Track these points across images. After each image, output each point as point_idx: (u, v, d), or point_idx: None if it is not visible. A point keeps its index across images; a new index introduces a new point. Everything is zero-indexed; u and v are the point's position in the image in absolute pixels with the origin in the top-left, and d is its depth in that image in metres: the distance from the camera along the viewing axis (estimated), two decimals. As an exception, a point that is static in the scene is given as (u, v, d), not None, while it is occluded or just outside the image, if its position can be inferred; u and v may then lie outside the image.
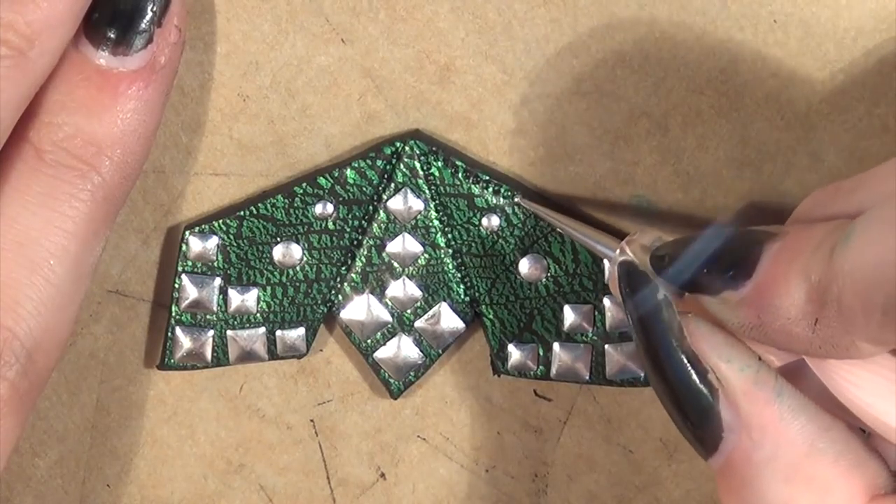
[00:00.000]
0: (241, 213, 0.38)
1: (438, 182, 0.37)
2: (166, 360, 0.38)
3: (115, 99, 0.33)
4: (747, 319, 0.30)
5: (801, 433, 0.30)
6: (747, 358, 0.31)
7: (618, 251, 0.33)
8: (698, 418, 0.31)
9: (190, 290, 0.38)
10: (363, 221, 0.38)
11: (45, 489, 0.40)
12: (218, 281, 0.38)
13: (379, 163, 0.37)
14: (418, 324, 0.38)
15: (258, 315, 0.38)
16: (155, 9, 0.33)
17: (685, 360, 0.31)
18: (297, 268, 0.38)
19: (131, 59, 0.33)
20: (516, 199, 0.37)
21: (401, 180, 0.37)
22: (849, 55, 0.36)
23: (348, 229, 0.38)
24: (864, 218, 0.28)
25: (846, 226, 0.28)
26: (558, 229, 0.37)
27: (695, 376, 0.31)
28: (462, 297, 0.38)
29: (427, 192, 0.37)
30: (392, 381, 0.38)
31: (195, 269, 0.38)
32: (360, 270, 0.38)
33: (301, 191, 0.37)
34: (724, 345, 0.31)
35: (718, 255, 0.31)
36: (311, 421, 0.40)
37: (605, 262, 0.38)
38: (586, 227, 0.36)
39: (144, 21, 0.33)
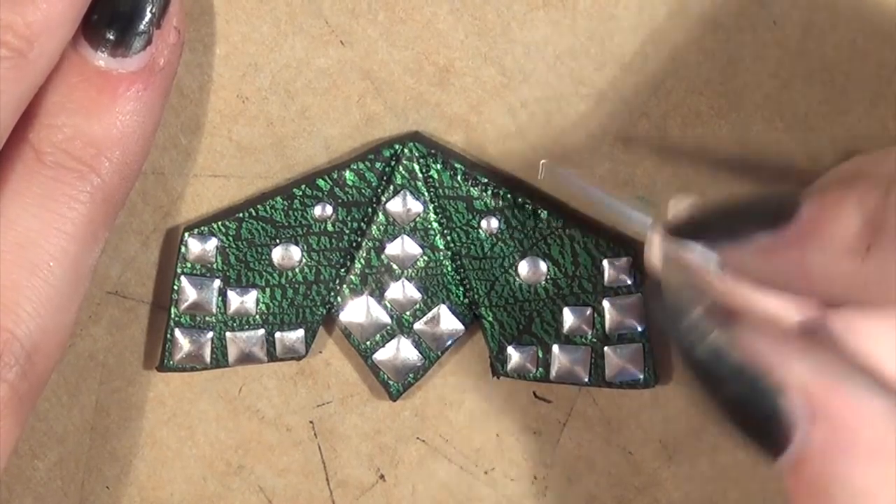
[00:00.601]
0: (241, 214, 0.38)
1: (437, 184, 0.37)
2: (165, 361, 0.38)
3: (115, 100, 0.33)
4: (786, 263, 0.29)
5: (876, 410, 0.29)
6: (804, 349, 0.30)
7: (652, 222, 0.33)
8: (763, 421, 0.30)
9: (189, 292, 0.38)
10: (362, 223, 0.38)
11: (44, 491, 0.40)
12: (217, 283, 0.38)
13: (378, 165, 0.37)
14: (417, 326, 0.38)
15: (257, 317, 0.38)
16: (154, 10, 0.33)
17: (739, 371, 0.30)
18: (297, 269, 0.38)
19: (130, 61, 0.33)
20: (542, 161, 0.36)
21: (400, 182, 0.37)
22: (848, 56, 0.36)
23: (347, 231, 0.38)
24: None
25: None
26: (587, 200, 0.36)
27: (754, 382, 0.30)
28: (461, 299, 0.38)
29: (426, 194, 0.37)
30: (391, 382, 0.38)
31: (194, 271, 0.38)
32: (359, 272, 0.38)
33: (300, 193, 0.37)
34: (780, 339, 0.30)
35: (752, 204, 0.30)
36: (311, 422, 0.40)
37: (605, 262, 0.38)
38: (618, 198, 0.35)
39: (143, 22, 0.33)
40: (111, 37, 0.33)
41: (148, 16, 0.33)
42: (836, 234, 0.28)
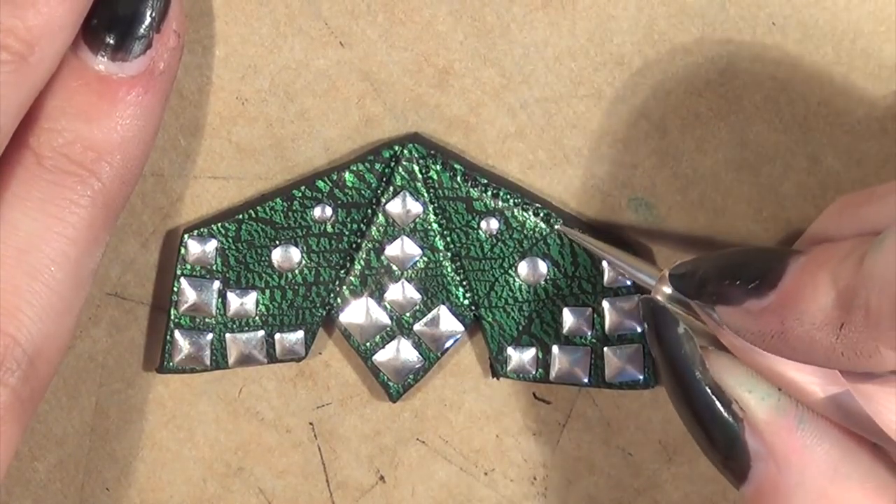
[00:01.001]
0: (240, 216, 0.38)
1: (437, 185, 0.37)
2: (165, 363, 0.38)
3: (115, 105, 0.33)
4: (769, 327, 0.30)
5: (825, 459, 0.30)
6: (768, 387, 0.31)
7: (658, 279, 0.34)
8: (726, 448, 0.32)
9: (189, 294, 0.38)
10: (362, 225, 0.38)
11: (43, 493, 0.40)
12: (217, 284, 0.38)
13: (377, 166, 0.37)
14: (417, 327, 0.38)
15: (257, 318, 0.38)
16: (154, 14, 0.33)
17: (710, 392, 0.32)
18: (296, 271, 0.38)
19: (130, 65, 0.33)
20: (557, 227, 0.37)
21: (399, 184, 0.37)
22: (847, 57, 0.36)
23: (347, 232, 0.38)
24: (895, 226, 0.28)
25: (872, 239, 0.28)
26: (598, 257, 0.37)
27: (720, 406, 0.32)
28: (461, 300, 0.38)
29: (426, 195, 0.37)
30: (391, 384, 0.38)
31: (194, 273, 0.38)
32: (358, 274, 0.38)
33: (300, 194, 0.37)
34: (745, 375, 0.31)
35: (743, 266, 0.31)
36: (311, 424, 0.40)
37: (604, 264, 0.38)
38: (628, 255, 0.36)
39: (143, 27, 0.33)
40: (111, 41, 0.33)
41: (148, 20, 0.33)
42: (811, 309, 0.29)
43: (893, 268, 0.27)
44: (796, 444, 0.31)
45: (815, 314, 0.29)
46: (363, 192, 0.37)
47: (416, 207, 0.37)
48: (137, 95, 0.33)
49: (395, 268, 0.38)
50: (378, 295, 0.38)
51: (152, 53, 0.33)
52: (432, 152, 0.37)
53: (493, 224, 0.38)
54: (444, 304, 0.38)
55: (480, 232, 0.38)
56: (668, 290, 0.33)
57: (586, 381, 0.38)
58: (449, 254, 0.38)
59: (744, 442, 0.31)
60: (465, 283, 0.38)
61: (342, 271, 0.38)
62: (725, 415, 0.32)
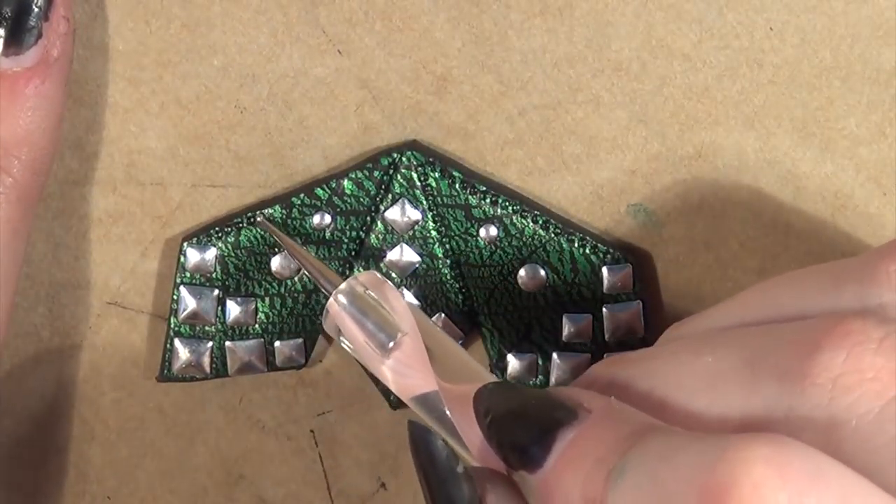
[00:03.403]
0: (239, 224, 0.38)
1: (436, 192, 0.37)
2: (165, 371, 0.38)
3: (14, 99, 0.33)
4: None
5: None
6: None
7: (332, 296, 0.33)
8: None
9: (188, 302, 0.38)
10: (361, 232, 0.38)
11: (44, 501, 0.40)
12: (216, 292, 0.38)
13: (376, 173, 0.37)
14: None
15: (257, 326, 0.38)
16: (40, 4, 0.33)
17: None
18: (296, 279, 0.38)
19: (24, 58, 0.33)
20: (258, 220, 0.37)
21: (398, 191, 0.37)
22: (845, 62, 0.36)
23: (346, 240, 0.38)
24: (633, 464, 0.26)
25: (625, 446, 0.27)
26: (292, 256, 0.37)
27: None
28: (460, 307, 0.38)
29: (424, 202, 0.37)
30: (391, 391, 0.38)
31: (193, 281, 0.38)
32: (358, 281, 0.38)
33: (298, 202, 0.37)
34: None
35: (520, 431, 0.29)
36: (311, 432, 0.40)
37: (604, 269, 0.37)
38: (315, 259, 0.35)
39: (32, 17, 0.33)
40: (1, 37, 0.33)
41: (35, 10, 0.33)
42: None
43: None
44: None
45: None
46: (362, 199, 0.37)
47: (414, 215, 0.37)
48: (36, 86, 0.34)
49: (394, 275, 0.38)
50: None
51: (44, 42, 0.34)
52: (431, 159, 0.37)
53: (492, 231, 0.38)
54: (443, 310, 0.38)
55: (479, 239, 0.38)
56: (344, 300, 0.32)
57: (586, 387, 0.38)
58: (448, 261, 0.38)
59: None
60: (464, 290, 0.38)
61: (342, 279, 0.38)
62: None
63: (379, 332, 0.32)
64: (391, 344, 0.32)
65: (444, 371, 0.32)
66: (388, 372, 0.32)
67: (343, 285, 0.33)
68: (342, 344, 0.33)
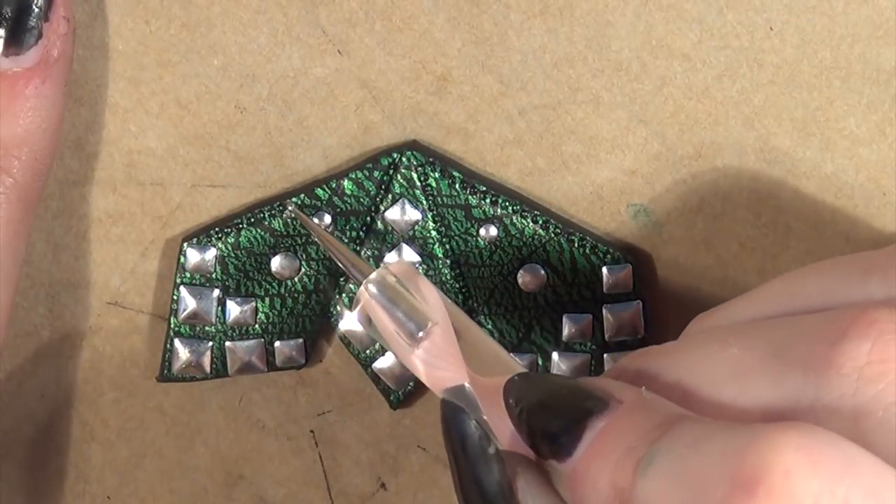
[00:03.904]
0: (239, 224, 0.38)
1: (436, 193, 0.37)
2: (165, 371, 0.38)
3: (14, 100, 0.33)
4: (567, 496, 0.29)
5: None
6: None
7: (363, 285, 0.32)
8: None
9: (188, 302, 0.38)
10: (361, 232, 0.38)
11: (44, 502, 0.40)
12: (216, 292, 0.38)
13: (376, 174, 0.37)
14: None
15: (257, 326, 0.38)
16: (40, 4, 0.33)
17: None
18: (296, 279, 0.38)
19: (24, 58, 0.34)
20: (290, 209, 0.37)
21: (398, 191, 0.37)
22: (845, 62, 0.36)
23: (346, 240, 0.38)
24: (663, 453, 0.26)
25: (655, 435, 0.27)
26: (321, 245, 0.36)
27: None
28: (460, 307, 0.38)
29: (424, 202, 0.37)
30: (391, 390, 0.38)
31: (193, 281, 0.38)
32: (358, 281, 0.38)
33: (298, 202, 0.37)
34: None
35: (551, 421, 0.29)
36: (311, 432, 0.40)
37: (604, 269, 0.37)
38: (345, 248, 0.35)
39: (32, 18, 0.33)
40: (2, 37, 0.33)
41: (35, 10, 0.33)
42: (593, 499, 0.27)
43: (657, 499, 0.26)
44: None
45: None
46: (362, 199, 0.37)
47: (414, 215, 0.37)
48: (36, 87, 0.34)
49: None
50: (378, 302, 0.38)
51: (44, 43, 0.34)
52: (431, 160, 0.37)
53: (492, 231, 0.38)
54: (443, 311, 0.38)
55: (479, 239, 0.38)
56: (374, 289, 0.32)
57: (586, 387, 0.38)
58: (448, 261, 0.38)
59: None
60: (464, 290, 0.38)
61: (341, 279, 0.38)
62: None
63: (409, 321, 0.32)
64: (421, 333, 0.32)
65: (475, 362, 0.32)
66: (419, 363, 0.32)
67: (373, 274, 0.33)
68: (372, 334, 0.33)
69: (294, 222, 0.37)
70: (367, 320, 0.33)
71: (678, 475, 0.25)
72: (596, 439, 0.28)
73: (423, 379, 0.32)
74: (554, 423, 0.29)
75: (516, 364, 0.32)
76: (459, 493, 0.29)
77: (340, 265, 0.34)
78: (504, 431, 0.30)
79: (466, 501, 0.29)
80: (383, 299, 0.32)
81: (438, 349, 0.32)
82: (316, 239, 0.36)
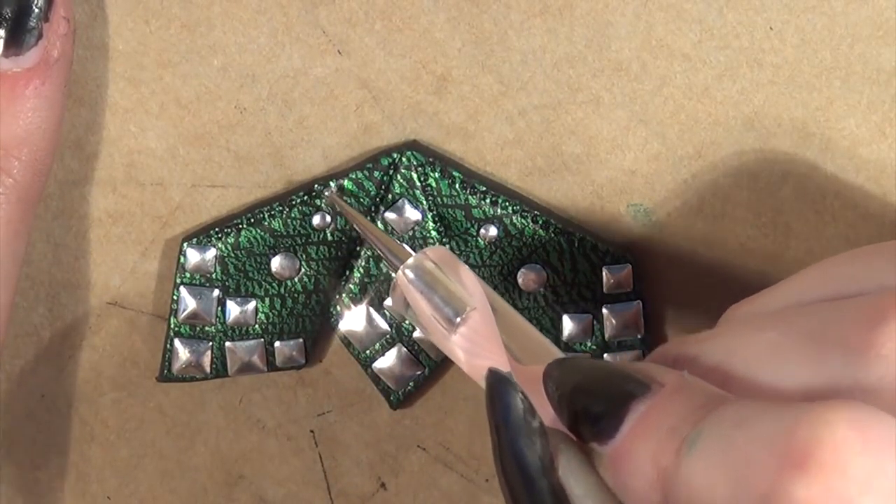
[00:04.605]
0: (239, 224, 0.38)
1: (436, 193, 0.37)
2: (165, 371, 0.38)
3: (14, 100, 0.33)
4: (608, 478, 0.29)
5: None
6: None
7: (400, 270, 0.32)
8: None
9: (188, 302, 0.38)
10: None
11: (45, 502, 0.40)
12: (216, 292, 0.38)
13: (376, 174, 0.37)
14: (417, 334, 0.38)
15: (257, 326, 0.38)
16: (40, 4, 0.33)
17: (551, 494, 0.29)
18: (296, 279, 0.38)
19: (24, 58, 0.34)
20: (326, 194, 0.37)
21: (398, 191, 0.37)
22: (845, 62, 0.36)
23: (346, 240, 0.38)
24: (707, 432, 0.26)
25: (699, 415, 0.27)
26: (360, 232, 0.36)
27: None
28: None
29: (424, 202, 0.37)
30: (391, 391, 0.38)
31: (193, 281, 0.38)
32: (358, 281, 0.38)
33: (298, 202, 0.37)
34: (595, 487, 0.29)
35: (592, 404, 0.29)
36: (311, 432, 0.40)
37: (604, 269, 0.37)
38: (382, 233, 0.35)
39: (32, 18, 0.33)
40: (2, 37, 0.33)
41: (35, 11, 0.33)
42: (637, 483, 0.27)
43: (699, 483, 0.26)
44: None
45: (639, 488, 0.27)
46: (362, 199, 0.37)
47: (414, 215, 0.37)
48: (36, 87, 0.34)
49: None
50: (377, 302, 0.38)
51: (45, 43, 0.34)
52: (431, 160, 0.37)
53: (492, 231, 0.37)
54: (443, 311, 0.38)
55: (479, 239, 0.38)
56: (411, 274, 0.32)
57: (586, 387, 0.38)
58: (448, 261, 0.38)
59: None
60: (464, 290, 0.38)
61: (341, 279, 0.38)
62: None
63: (446, 306, 0.32)
64: (458, 319, 0.32)
65: (514, 348, 0.32)
66: (458, 351, 0.32)
67: (411, 259, 0.32)
68: (410, 319, 0.33)
69: (294, 222, 0.37)
70: (405, 305, 0.33)
71: (725, 454, 0.25)
72: (638, 421, 0.28)
73: (463, 366, 0.32)
74: (595, 406, 0.29)
75: (556, 350, 0.32)
76: (499, 465, 0.29)
77: (378, 250, 0.34)
78: (545, 418, 0.30)
79: (505, 474, 0.29)
80: (421, 284, 0.32)
81: (477, 334, 0.32)
82: (354, 224, 0.36)
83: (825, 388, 0.27)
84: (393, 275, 0.33)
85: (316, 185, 0.37)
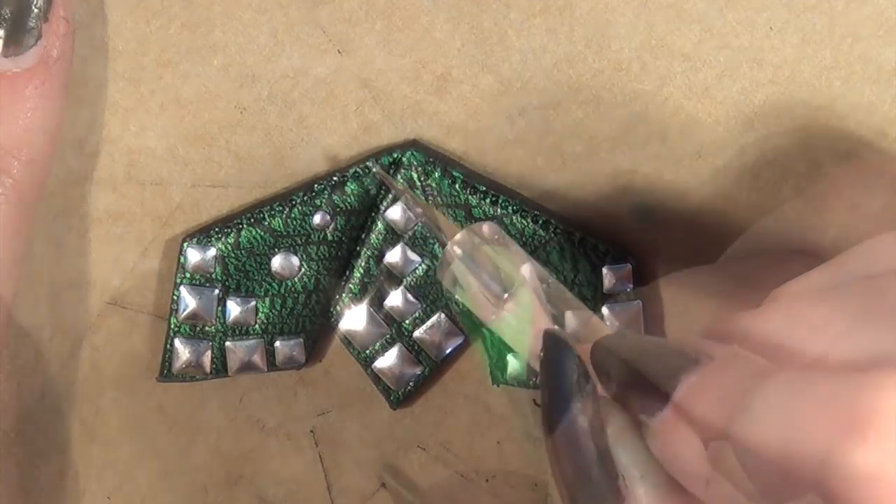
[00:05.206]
0: (239, 224, 0.38)
1: (436, 192, 0.37)
2: (165, 371, 0.38)
3: (14, 100, 0.34)
4: (655, 450, 0.28)
5: None
6: (660, 475, 0.29)
7: (448, 246, 0.32)
8: None
9: (188, 302, 0.38)
10: (361, 232, 0.38)
11: (45, 501, 0.40)
12: (216, 292, 0.38)
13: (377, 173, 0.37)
14: (417, 334, 0.38)
15: (257, 326, 0.38)
16: (39, 4, 0.33)
17: (597, 456, 0.29)
18: (296, 278, 0.38)
19: (24, 59, 0.34)
20: (374, 169, 0.37)
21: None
22: (846, 61, 0.36)
23: (346, 240, 0.38)
24: (760, 400, 0.26)
25: (750, 385, 0.26)
26: (405, 205, 0.36)
27: (605, 480, 0.29)
28: (460, 307, 0.38)
29: (425, 202, 0.37)
30: (391, 390, 0.38)
31: (193, 281, 0.38)
32: (358, 281, 0.38)
33: (299, 201, 0.37)
34: (643, 455, 0.29)
35: (642, 377, 0.29)
36: (311, 431, 0.40)
37: (604, 269, 0.37)
38: (431, 209, 0.35)
39: (31, 18, 0.33)
40: (1, 38, 0.33)
41: (34, 11, 0.33)
42: (685, 453, 0.27)
43: (756, 445, 0.25)
44: None
45: (686, 462, 0.27)
46: (362, 199, 0.37)
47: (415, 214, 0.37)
48: (36, 87, 0.34)
49: (394, 275, 0.38)
50: (378, 302, 0.38)
51: (44, 43, 0.34)
52: (431, 159, 0.37)
53: (493, 231, 0.38)
54: (443, 310, 0.38)
55: (479, 239, 0.38)
56: (458, 250, 0.32)
57: (586, 387, 0.38)
58: (448, 261, 0.38)
59: None
60: (464, 289, 0.38)
61: (342, 279, 0.38)
62: (608, 490, 0.28)
63: (494, 282, 0.32)
64: (506, 295, 0.32)
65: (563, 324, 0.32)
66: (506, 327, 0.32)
67: (459, 235, 0.32)
68: (458, 295, 0.32)
69: (294, 221, 0.37)
70: (453, 281, 0.32)
71: (780, 418, 0.25)
72: (687, 391, 0.28)
73: (510, 341, 0.32)
74: (645, 378, 0.28)
75: (605, 327, 0.32)
76: (546, 427, 0.29)
77: (426, 226, 0.34)
78: None
79: (553, 435, 0.29)
80: (469, 260, 0.32)
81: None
82: (400, 199, 0.36)
83: (878, 360, 0.27)
84: (440, 251, 0.33)
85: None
